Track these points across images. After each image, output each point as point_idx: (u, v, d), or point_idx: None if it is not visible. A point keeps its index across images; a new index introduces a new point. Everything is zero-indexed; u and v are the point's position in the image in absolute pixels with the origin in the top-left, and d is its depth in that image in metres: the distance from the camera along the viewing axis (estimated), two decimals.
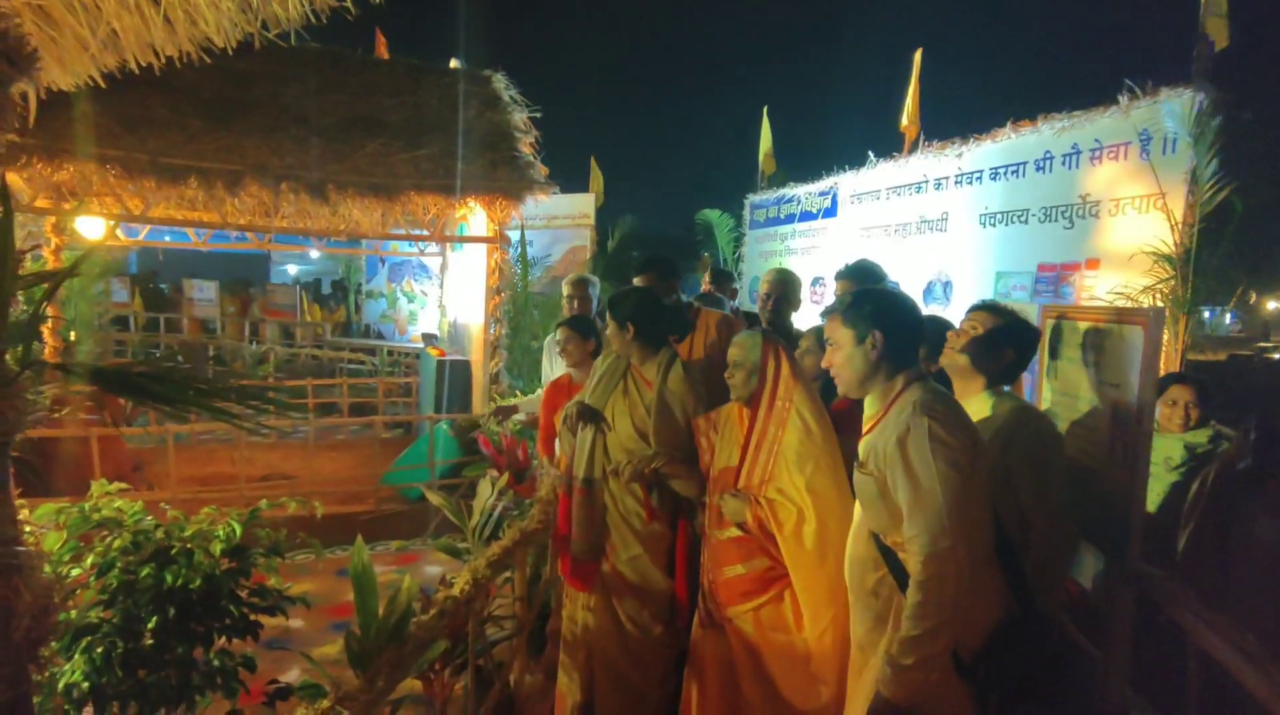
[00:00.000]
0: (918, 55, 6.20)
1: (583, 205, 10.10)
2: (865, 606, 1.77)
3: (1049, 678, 1.55)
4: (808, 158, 8.22)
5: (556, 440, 3.22)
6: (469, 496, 3.47)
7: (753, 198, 8.42)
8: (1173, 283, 3.77)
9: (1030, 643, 1.57)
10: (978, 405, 2.03)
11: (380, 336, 12.42)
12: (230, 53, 1.94)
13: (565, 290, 3.69)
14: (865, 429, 1.76)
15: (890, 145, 6.27)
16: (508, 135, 5.83)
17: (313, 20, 1.91)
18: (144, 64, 1.89)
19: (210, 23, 1.65)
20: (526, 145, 5.96)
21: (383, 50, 7.97)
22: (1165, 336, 3.79)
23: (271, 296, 13.50)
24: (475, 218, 6.12)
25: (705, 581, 2.34)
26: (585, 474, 2.61)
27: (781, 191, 7.78)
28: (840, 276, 3.30)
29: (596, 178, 11.82)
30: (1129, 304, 3.83)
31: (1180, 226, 3.76)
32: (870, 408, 1.78)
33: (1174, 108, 3.82)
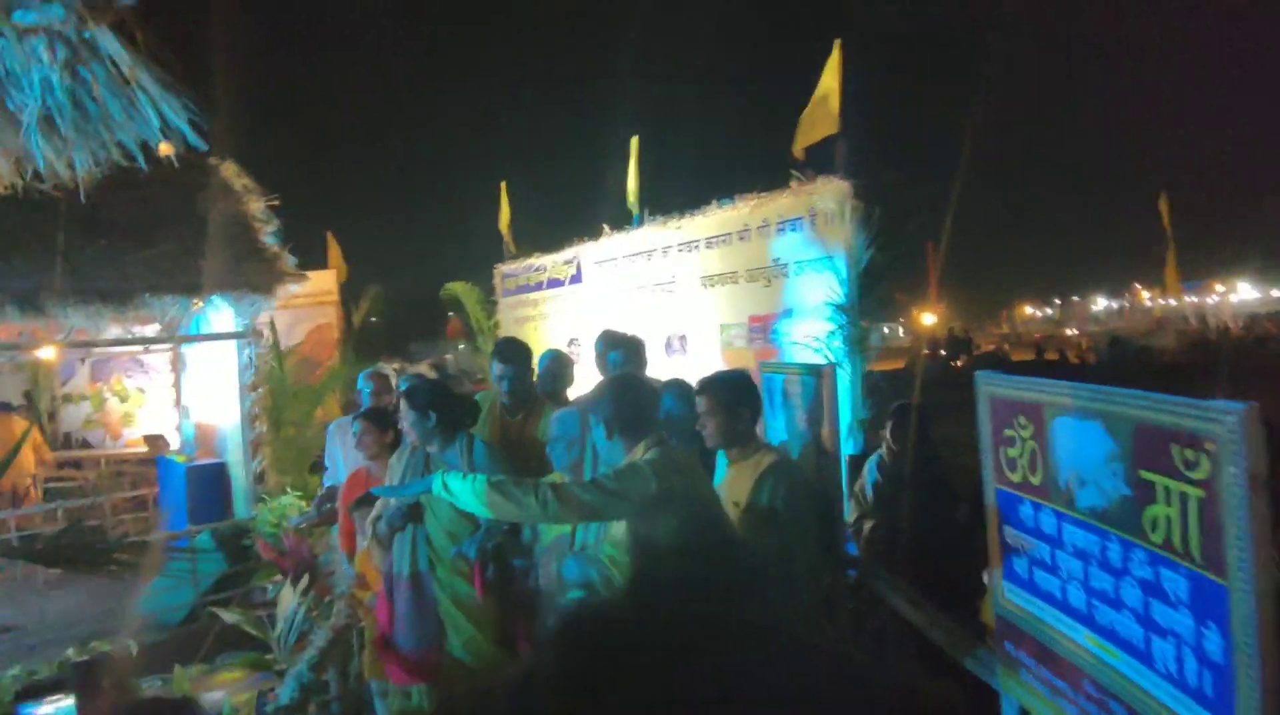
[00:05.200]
0: (634, 141, 7.12)
1: (324, 282, 9.83)
2: None
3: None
4: (551, 228, 8.88)
5: (359, 535, 3.31)
6: (246, 605, 3.40)
7: (503, 267, 8.86)
8: (846, 326, 4.84)
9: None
10: (754, 463, 2.56)
11: (87, 445, 10.75)
12: None
13: (362, 383, 3.85)
14: None
15: (623, 217, 7.10)
16: (247, 226, 5.68)
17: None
18: None
19: None
20: (268, 234, 5.85)
21: None
22: (847, 371, 4.85)
23: None
24: (219, 312, 5.82)
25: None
26: (411, 569, 2.78)
27: (529, 261, 8.31)
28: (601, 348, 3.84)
29: (335, 253, 11.53)
30: (817, 346, 4.83)
31: (847, 282, 4.86)
32: None
33: (830, 192, 4.93)
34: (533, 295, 8.29)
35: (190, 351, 7.09)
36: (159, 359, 8.54)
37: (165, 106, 1.79)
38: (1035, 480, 1.58)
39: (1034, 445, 1.55)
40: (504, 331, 8.84)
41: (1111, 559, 1.36)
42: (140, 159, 1.90)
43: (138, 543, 1.28)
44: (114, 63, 1.73)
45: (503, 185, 9.26)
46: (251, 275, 5.26)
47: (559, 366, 3.79)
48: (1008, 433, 1.66)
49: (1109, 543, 1.34)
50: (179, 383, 7.63)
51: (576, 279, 7.55)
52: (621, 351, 3.69)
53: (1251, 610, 0.96)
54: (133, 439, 10.20)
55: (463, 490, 2.10)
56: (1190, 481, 1.08)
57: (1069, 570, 1.50)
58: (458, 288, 10.13)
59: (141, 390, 10.46)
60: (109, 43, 1.68)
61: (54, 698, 1.19)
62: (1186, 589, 1.11)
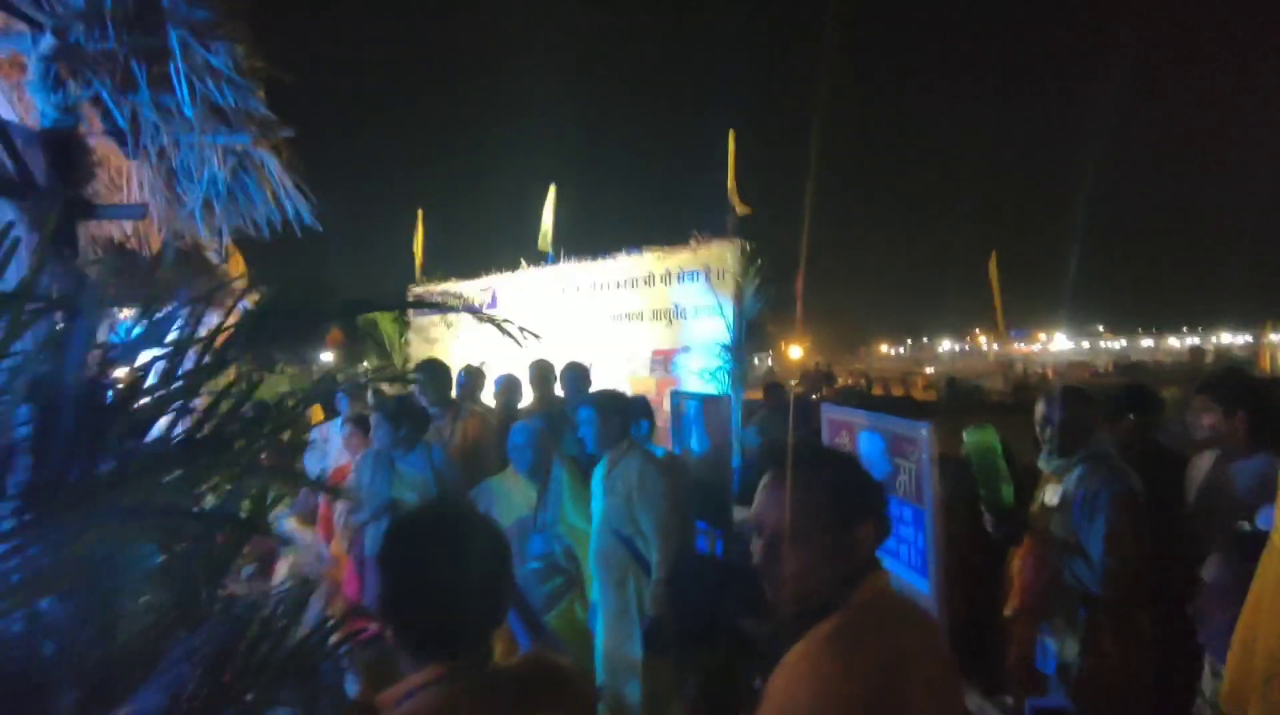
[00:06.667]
0: (552, 189, 8.02)
1: None
2: (613, 580, 3.12)
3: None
4: (462, 257, 9.62)
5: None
6: None
7: (417, 289, 9.44)
8: (732, 362, 5.95)
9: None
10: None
11: None
12: None
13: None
14: (609, 470, 3.16)
15: (537, 254, 7.96)
16: (194, 242, 6.11)
17: None
18: None
19: None
20: (212, 251, 6.28)
21: None
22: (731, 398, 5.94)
23: None
24: None
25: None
26: None
27: (445, 285, 8.97)
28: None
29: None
30: (710, 377, 5.90)
31: (734, 327, 5.96)
32: (610, 457, 3.18)
33: (723, 251, 6.02)
34: (447, 318, 8.92)
35: None
36: None
37: (297, 201, 2.59)
38: None
39: (850, 446, 2.59)
40: (414, 351, 9.40)
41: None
42: (266, 231, 2.65)
43: None
44: (266, 168, 2.52)
45: (419, 213, 9.87)
46: (199, 290, 5.69)
47: (513, 387, 4.65)
48: (837, 441, 2.70)
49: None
50: None
51: (491, 306, 8.30)
52: (575, 375, 4.62)
53: (931, 519, 1.99)
54: None
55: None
56: (911, 461, 2.12)
57: None
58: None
59: None
60: (267, 157, 2.48)
61: None
62: (912, 515, 2.15)
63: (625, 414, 3.21)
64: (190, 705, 1.13)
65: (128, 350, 1.10)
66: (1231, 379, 3.01)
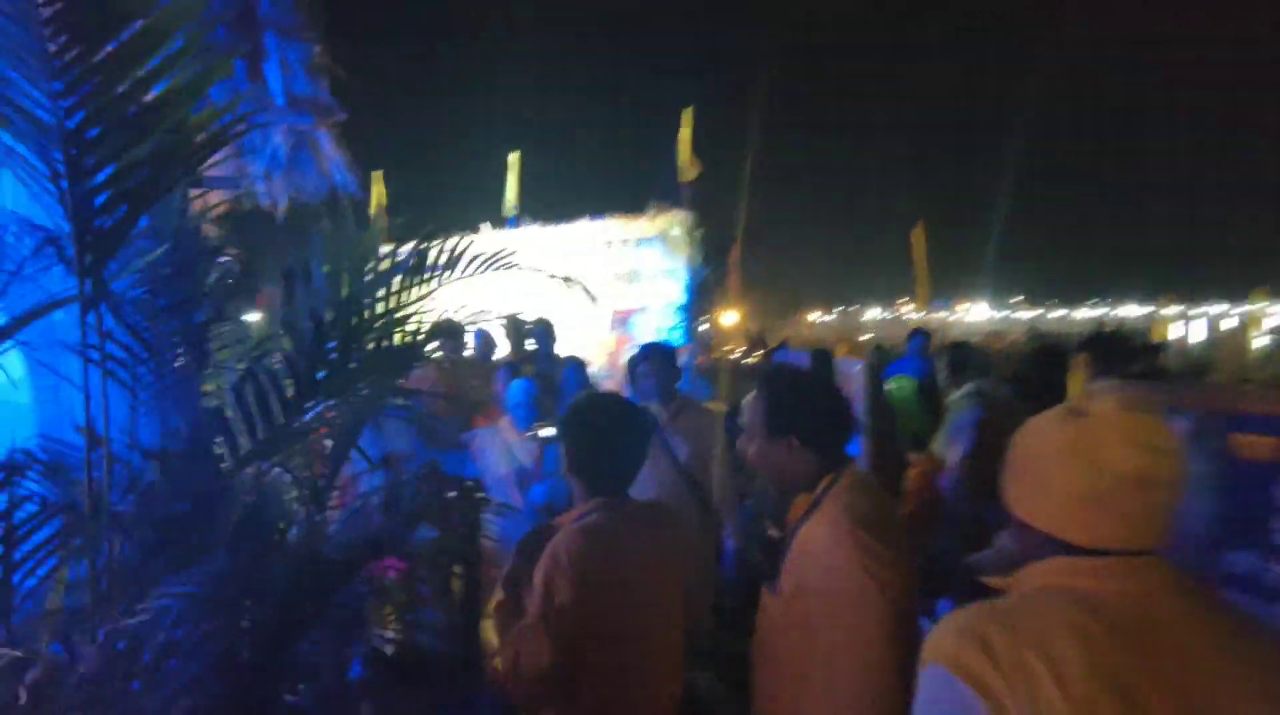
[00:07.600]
0: (515, 155, 8.37)
1: None
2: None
3: None
4: (421, 218, 9.80)
5: None
6: None
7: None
8: (685, 322, 6.57)
9: None
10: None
11: None
12: None
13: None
14: (670, 419, 3.67)
15: (497, 217, 8.32)
16: None
17: None
18: None
19: None
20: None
21: None
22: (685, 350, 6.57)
23: None
24: None
25: None
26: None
27: (407, 247, 9.23)
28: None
29: None
30: (667, 334, 6.51)
31: (687, 290, 6.58)
32: (670, 408, 3.68)
33: (677, 221, 6.60)
34: (407, 277, 9.22)
35: None
36: None
37: (346, 174, 3.05)
38: None
39: None
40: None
41: None
42: (317, 202, 3.09)
43: None
44: (319, 145, 2.97)
45: (377, 174, 10.03)
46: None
47: (490, 341, 5.15)
48: None
49: None
50: None
51: (453, 266, 8.65)
52: (543, 330, 5.14)
53: (862, 435, 2.69)
54: None
55: None
56: (846, 391, 2.82)
57: None
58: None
59: None
60: (323, 137, 2.93)
61: None
62: None
63: (676, 367, 3.47)
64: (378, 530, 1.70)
65: (369, 288, 1.62)
66: (1093, 336, 3.80)
